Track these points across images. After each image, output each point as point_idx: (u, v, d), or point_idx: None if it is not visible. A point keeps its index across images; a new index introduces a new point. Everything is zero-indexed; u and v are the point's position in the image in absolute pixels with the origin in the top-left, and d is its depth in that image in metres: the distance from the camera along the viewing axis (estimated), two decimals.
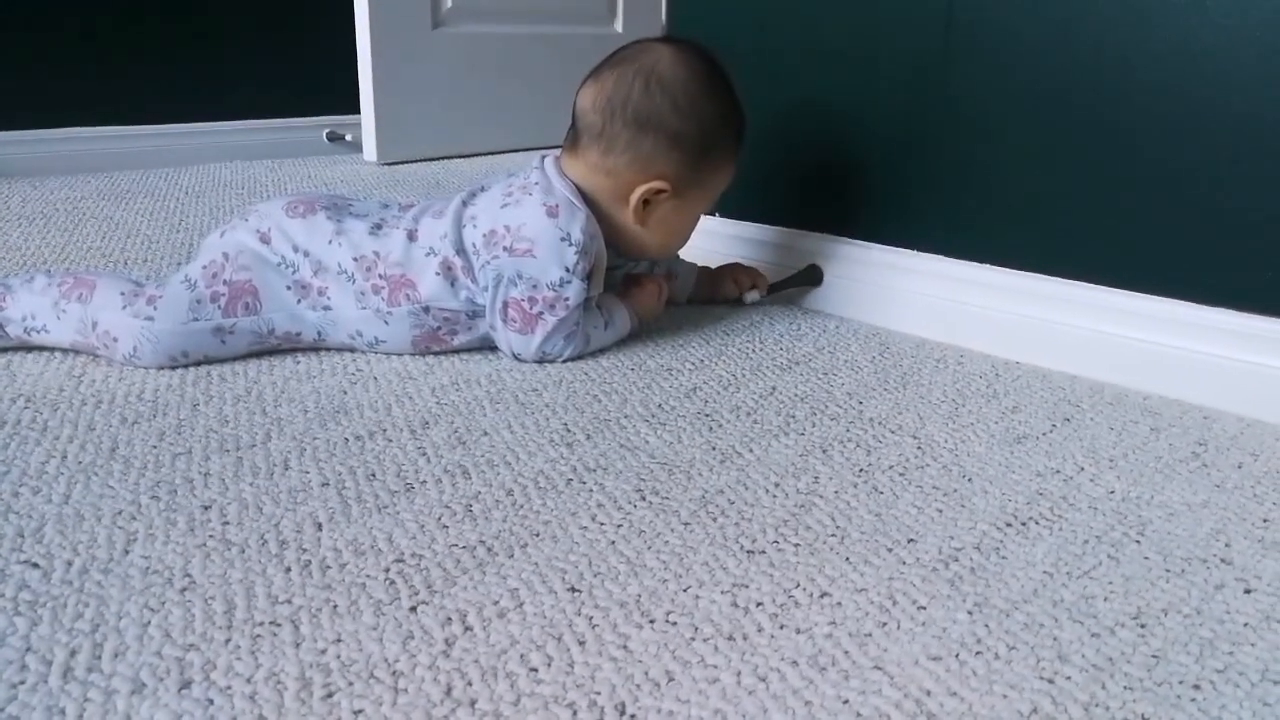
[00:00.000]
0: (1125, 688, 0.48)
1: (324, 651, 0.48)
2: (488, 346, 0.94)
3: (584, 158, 0.93)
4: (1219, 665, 0.50)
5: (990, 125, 0.96)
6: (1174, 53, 0.84)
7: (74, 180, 1.79)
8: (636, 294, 1.00)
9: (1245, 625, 0.53)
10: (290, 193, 1.30)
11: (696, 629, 0.51)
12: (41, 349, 0.90)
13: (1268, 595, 0.56)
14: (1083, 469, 0.72)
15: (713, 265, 1.15)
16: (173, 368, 0.87)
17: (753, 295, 1.10)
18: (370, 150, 2.04)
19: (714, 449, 0.74)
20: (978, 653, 0.50)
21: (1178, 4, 0.83)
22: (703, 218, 1.04)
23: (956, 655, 0.50)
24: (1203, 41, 0.83)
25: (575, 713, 0.45)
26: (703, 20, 1.20)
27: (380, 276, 0.89)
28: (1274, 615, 0.54)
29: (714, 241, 1.21)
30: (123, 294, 0.86)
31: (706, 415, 0.80)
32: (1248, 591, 0.56)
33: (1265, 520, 0.65)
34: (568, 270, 0.89)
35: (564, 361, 0.92)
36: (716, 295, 1.12)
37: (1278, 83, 0.79)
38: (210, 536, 0.59)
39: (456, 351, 0.94)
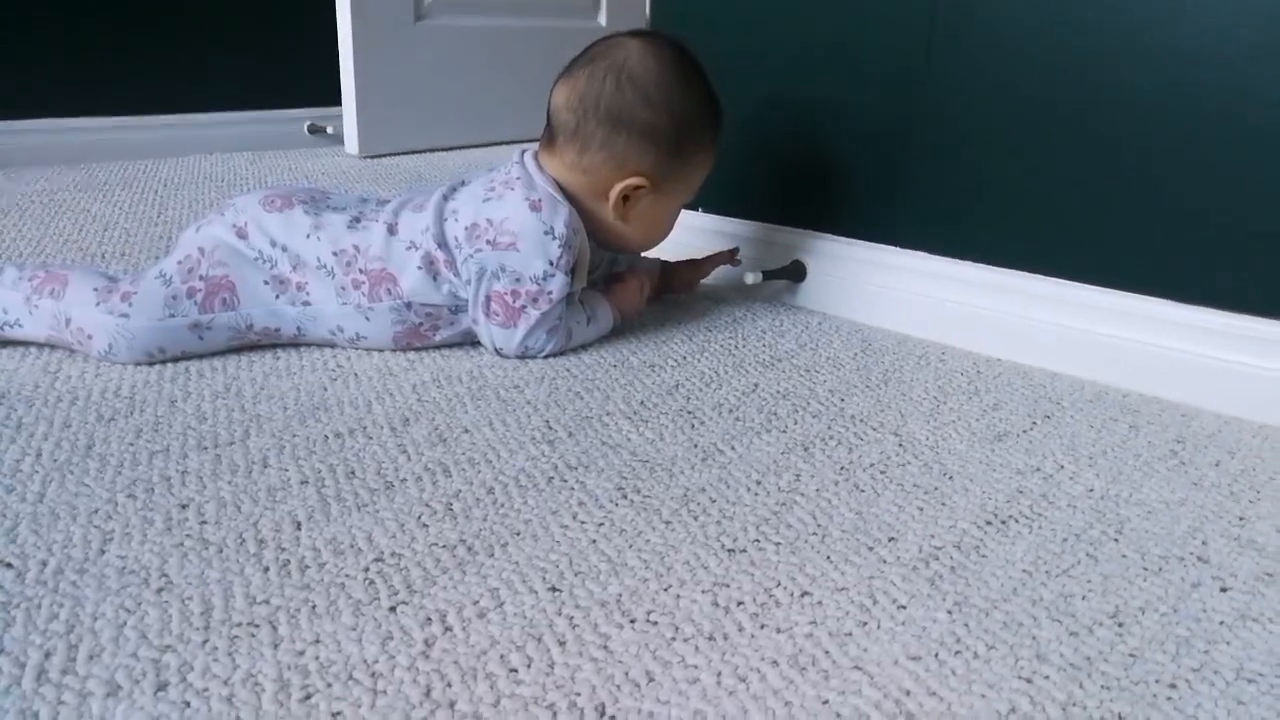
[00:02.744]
0: (1103, 687, 0.48)
1: (302, 653, 0.48)
2: (469, 342, 0.94)
3: (560, 156, 0.93)
4: (1195, 664, 0.50)
5: (973, 122, 0.97)
6: (1155, 54, 0.85)
7: (50, 171, 1.77)
8: (619, 290, 1.00)
9: (1221, 623, 0.53)
10: (268, 186, 1.29)
11: (677, 629, 0.51)
12: (16, 343, 0.88)
13: (1243, 593, 0.56)
14: (1062, 467, 0.72)
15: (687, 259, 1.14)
16: (150, 364, 0.86)
17: (752, 277, 1.08)
18: (352, 143, 2.03)
19: (696, 446, 0.74)
20: (957, 652, 0.50)
21: (1160, 5, 0.84)
22: (685, 212, 1.04)
23: (936, 655, 0.50)
24: (1184, 42, 0.83)
25: (555, 714, 0.45)
26: (685, 14, 1.20)
27: (360, 271, 0.88)
28: (1249, 613, 0.55)
29: (696, 236, 1.21)
30: (96, 290, 0.85)
31: (688, 412, 0.80)
32: (1224, 590, 0.57)
33: (1241, 518, 0.65)
34: (551, 264, 0.88)
35: (546, 356, 0.92)
36: (675, 286, 1.11)
37: (1256, 86, 0.80)
38: (188, 535, 0.59)
39: (438, 347, 0.93)
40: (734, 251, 1.12)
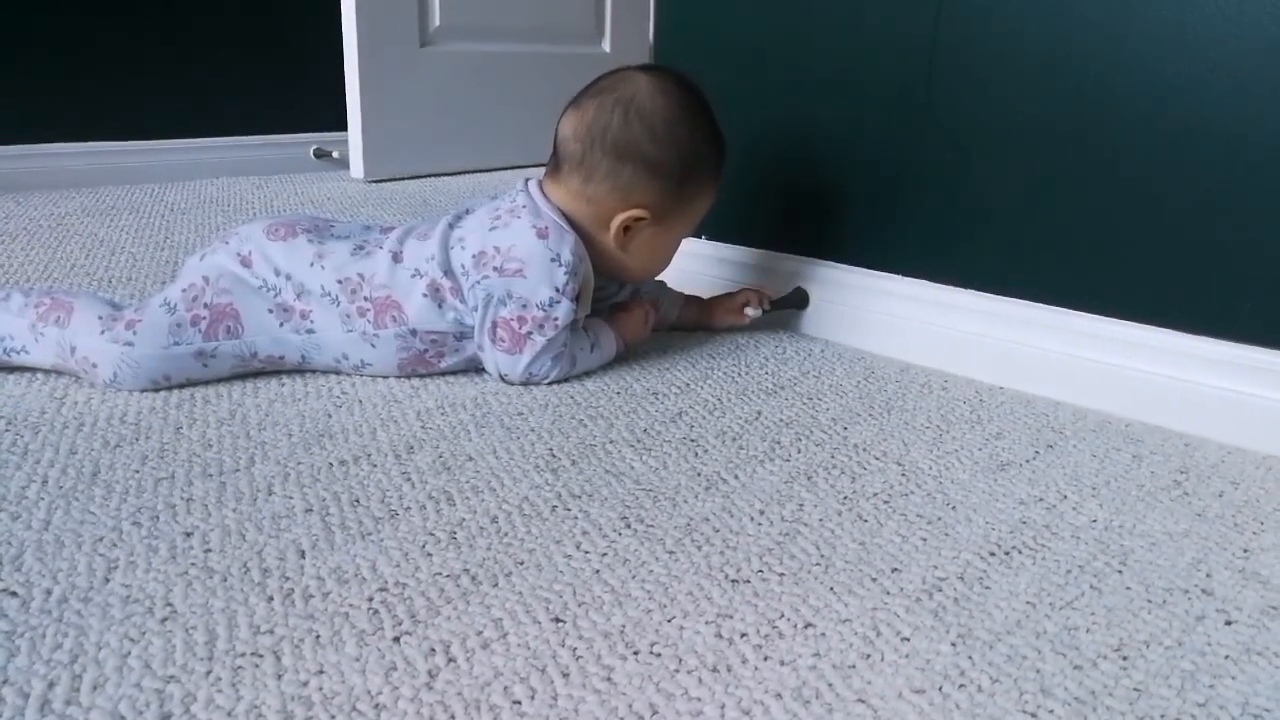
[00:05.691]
0: None
1: (306, 683, 0.48)
2: (474, 369, 0.94)
3: (565, 184, 0.94)
4: (1200, 699, 0.50)
5: (974, 151, 0.97)
6: (1155, 83, 0.85)
7: (58, 196, 1.78)
8: (623, 318, 1.00)
9: (1226, 658, 0.53)
10: (272, 214, 1.30)
11: (680, 660, 0.51)
12: (23, 369, 0.89)
13: (1248, 627, 0.56)
14: (1065, 497, 0.72)
15: (698, 288, 1.15)
16: (155, 390, 0.86)
17: (753, 311, 1.09)
18: (357, 167, 2.04)
19: (699, 475, 0.74)
20: (961, 685, 0.50)
21: (1159, 35, 0.85)
22: (688, 240, 1.04)
23: (940, 688, 0.50)
24: (1183, 73, 0.84)
25: None
26: (689, 42, 1.21)
27: (365, 299, 0.89)
28: (1254, 647, 0.54)
29: (699, 264, 1.22)
30: (100, 318, 0.86)
31: (692, 440, 0.80)
32: (1228, 623, 0.57)
33: (1245, 550, 0.65)
34: (558, 290, 0.89)
35: (550, 383, 0.92)
36: (708, 322, 1.12)
37: (1254, 114, 0.80)
38: (192, 564, 0.59)
39: (442, 374, 0.93)
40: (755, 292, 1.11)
